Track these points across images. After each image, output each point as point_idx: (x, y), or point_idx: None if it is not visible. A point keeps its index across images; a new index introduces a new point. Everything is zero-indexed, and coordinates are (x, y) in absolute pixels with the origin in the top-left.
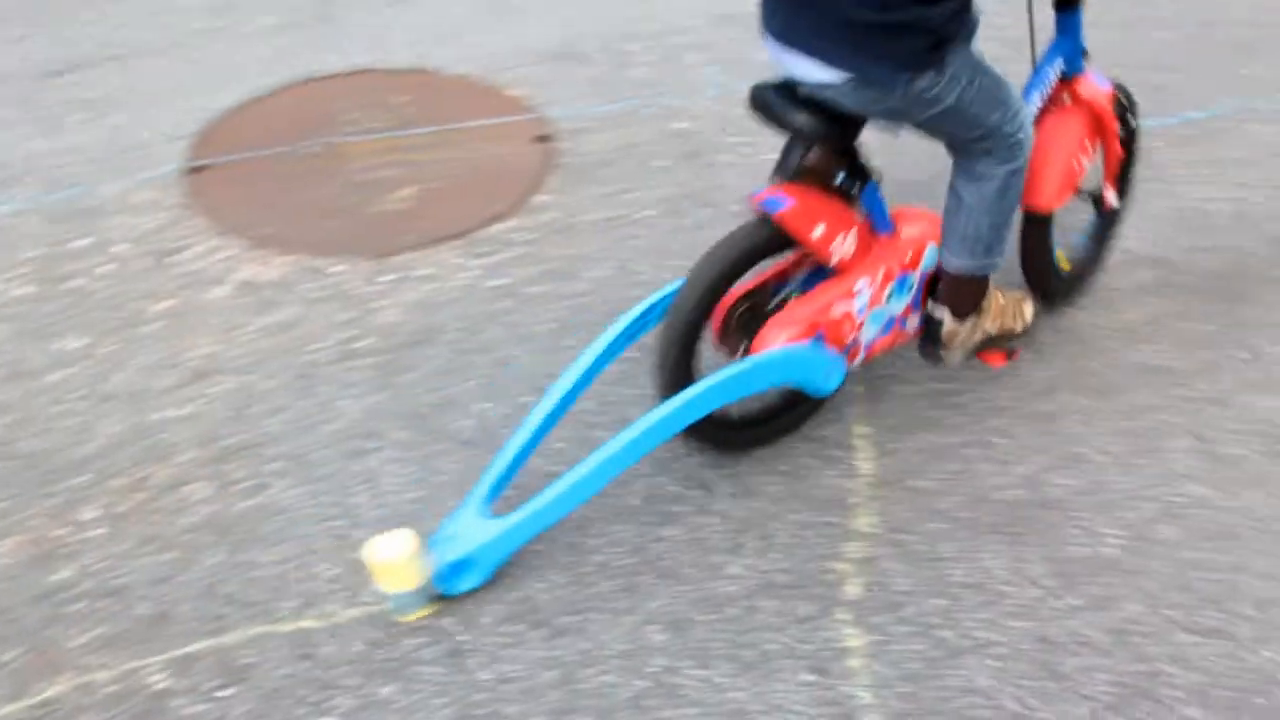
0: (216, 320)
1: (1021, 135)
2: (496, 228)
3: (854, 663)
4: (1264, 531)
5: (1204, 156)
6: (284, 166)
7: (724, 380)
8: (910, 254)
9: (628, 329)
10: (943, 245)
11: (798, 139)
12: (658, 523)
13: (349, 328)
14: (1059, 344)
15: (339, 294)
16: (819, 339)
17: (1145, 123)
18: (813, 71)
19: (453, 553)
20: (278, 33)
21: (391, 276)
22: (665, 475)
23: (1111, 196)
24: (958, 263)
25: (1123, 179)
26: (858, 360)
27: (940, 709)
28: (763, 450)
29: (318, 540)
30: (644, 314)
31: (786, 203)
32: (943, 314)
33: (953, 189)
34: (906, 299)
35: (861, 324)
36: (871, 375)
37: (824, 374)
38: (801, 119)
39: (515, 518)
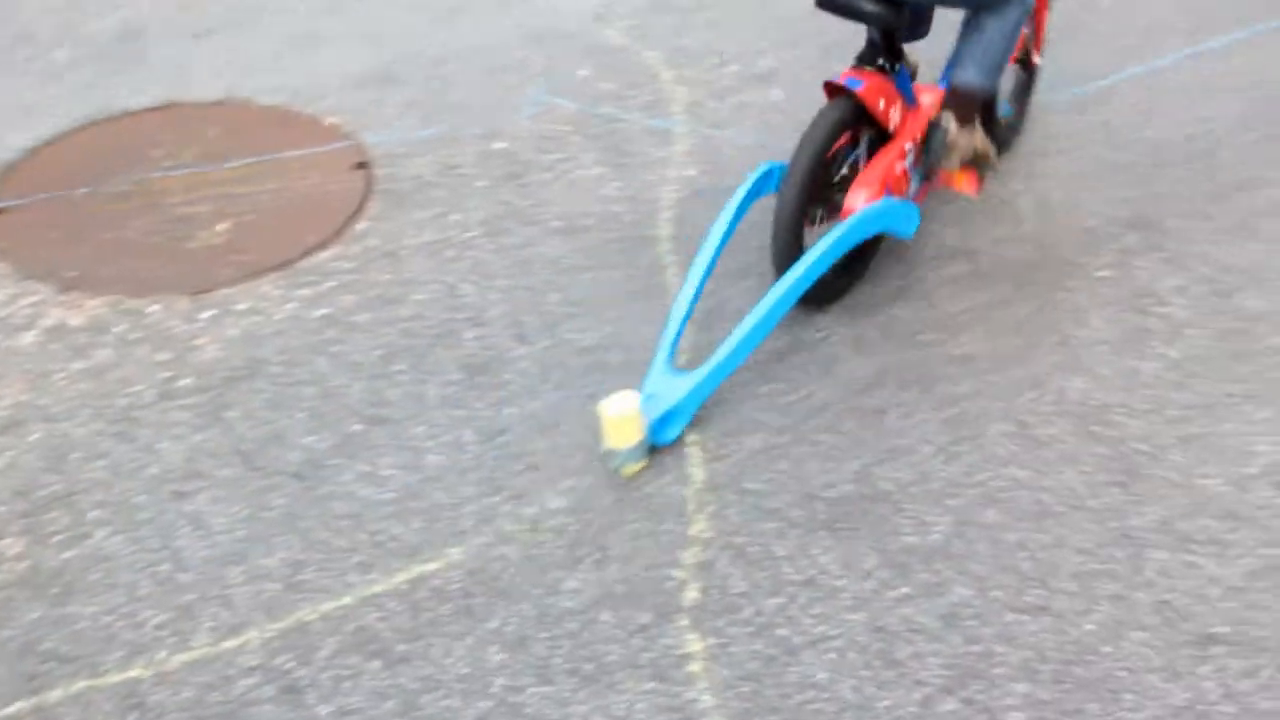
0: (25, 368)
1: None
2: (317, 257)
3: (694, 667)
4: (1079, 508)
5: (1012, 151)
6: (91, 206)
7: (837, 239)
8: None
9: (749, 194)
10: (958, 68)
11: (871, 26)
12: (492, 542)
13: (168, 368)
14: (880, 339)
15: (156, 334)
16: (889, 194)
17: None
18: None
19: (659, 409)
20: (74, 68)
21: (210, 313)
22: (499, 495)
23: (1037, 57)
24: (974, 79)
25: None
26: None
27: (780, 706)
28: (595, 462)
29: (142, 586)
30: (759, 180)
31: (862, 82)
32: (950, 122)
33: (975, 25)
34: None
35: (910, 177)
36: None
37: (905, 219)
38: (876, 8)
39: (700, 371)
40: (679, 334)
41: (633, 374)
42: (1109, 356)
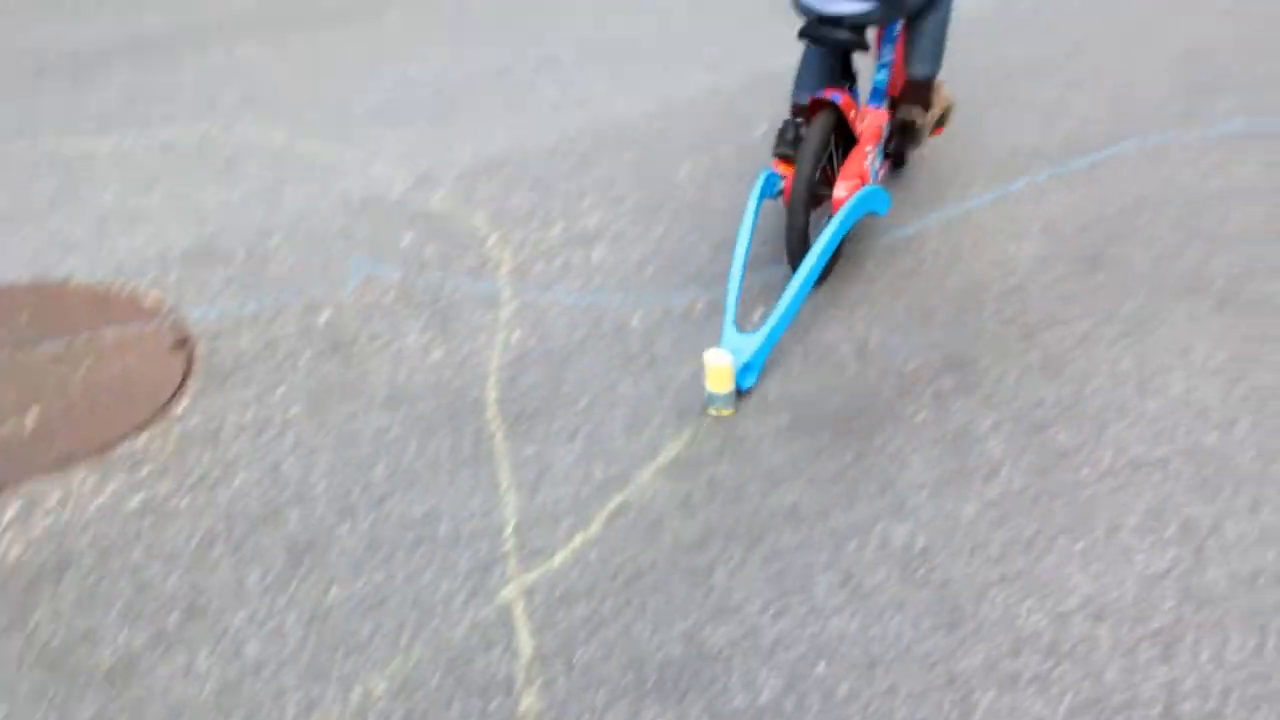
0: None
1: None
2: (134, 443)
3: None
4: (907, 655)
5: (827, 299)
6: None
7: (839, 223)
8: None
9: (760, 195)
10: (911, 65)
11: (839, 49)
12: None
13: None
14: (706, 497)
15: None
16: (865, 184)
17: (782, 268)
18: (853, 7)
19: (740, 362)
20: None
21: (15, 508)
22: (321, 683)
23: None
24: (926, 70)
25: None
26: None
27: None
28: (421, 641)
29: None
30: (764, 184)
31: (840, 97)
32: (916, 113)
33: (915, 28)
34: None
35: (874, 170)
36: (527, 551)
37: (881, 201)
38: (849, 36)
39: (763, 329)
40: (736, 303)
41: (462, 546)
42: (930, 500)
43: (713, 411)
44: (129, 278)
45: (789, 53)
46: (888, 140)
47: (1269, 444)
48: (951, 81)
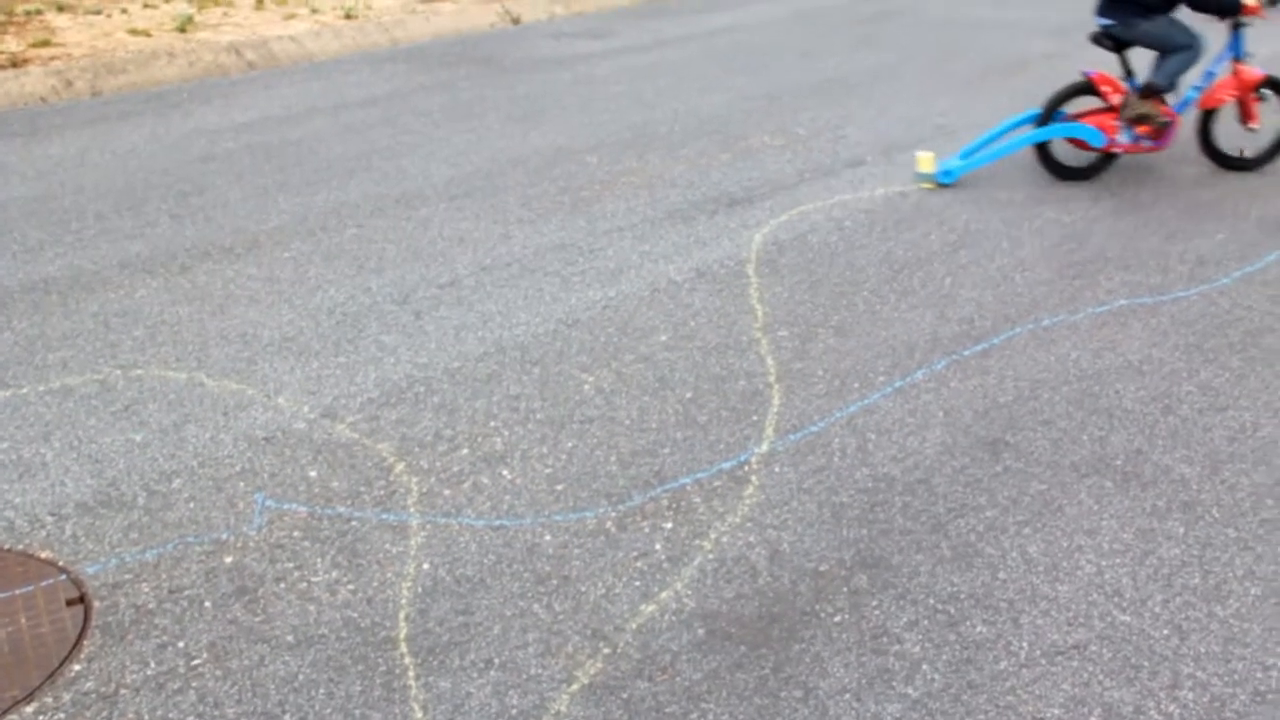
0: None
1: (1188, 49)
2: (21, 713)
3: None
4: None
5: (737, 504)
6: None
7: (1061, 125)
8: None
9: (1012, 124)
10: (1152, 75)
11: (1110, 47)
12: None
13: None
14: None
15: None
16: (1094, 127)
17: (691, 478)
18: (1100, 19)
19: (946, 165)
20: None
21: None
22: None
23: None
24: (1158, 80)
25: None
26: (1116, 147)
27: None
28: None
29: None
30: (1019, 120)
31: (1095, 72)
32: (1136, 97)
33: (1163, 58)
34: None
35: (1116, 130)
36: None
37: (1094, 136)
38: (1110, 39)
39: (973, 161)
40: (971, 152)
41: None
42: (852, 704)
43: (920, 185)
44: (20, 534)
45: (687, 259)
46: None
47: (1181, 619)
48: (844, 278)
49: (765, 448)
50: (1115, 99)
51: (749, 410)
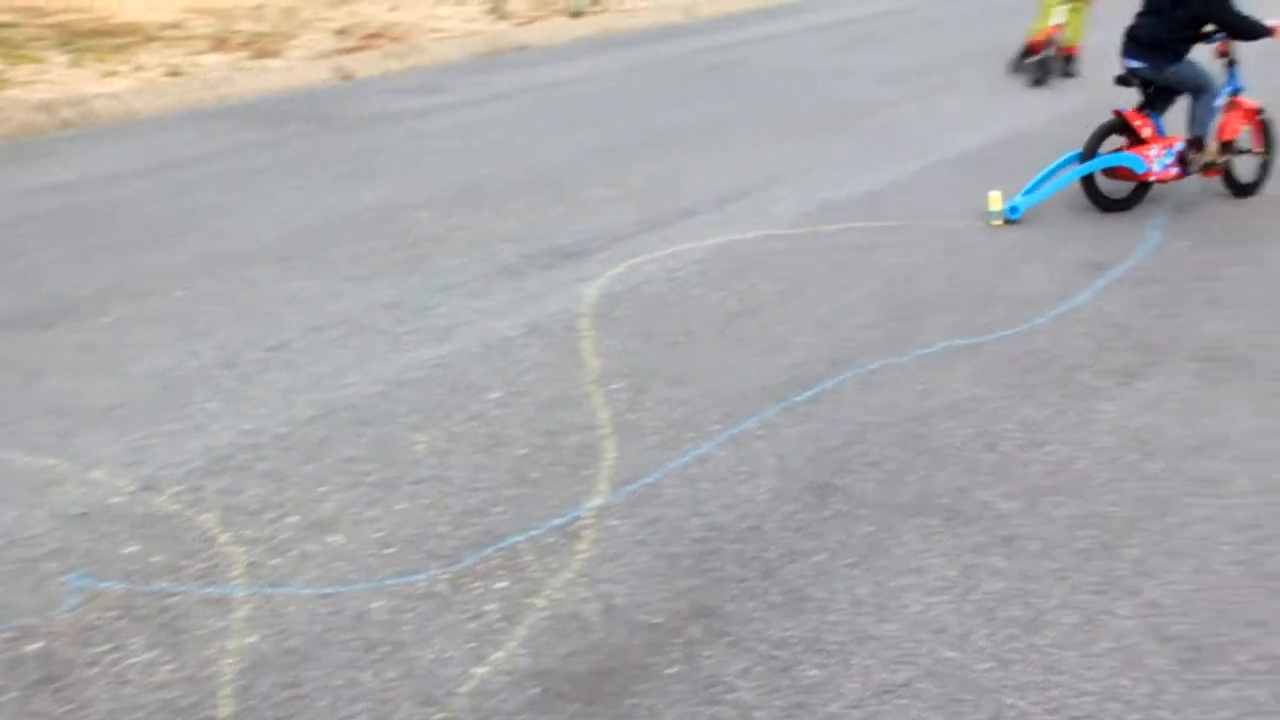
0: None
1: (1211, 90)
2: None
3: None
4: None
5: (570, 560)
6: None
7: (1109, 156)
8: (1165, 146)
9: (1061, 163)
10: (1189, 125)
11: (1138, 86)
12: None
13: None
14: None
15: None
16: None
17: (524, 535)
18: (1131, 62)
19: (1013, 202)
20: None
21: None
22: None
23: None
24: (1198, 130)
25: (1268, 144)
26: (1152, 174)
27: None
28: None
29: None
30: (1065, 160)
31: (1126, 109)
32: (1188, 149)
33: (1191, 109)
34: (1168, 161)
35: (1152, 160)
36: None
37: (1135, 164)
38: (1140, 84)
39: (1033, 197)
40: (1032, 189)
41: None
42: None
43: (990, 223)
44: None
45: (520, 314)
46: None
47: (1004, 651)
48: (677, 328)
49: (599, 501)
50: (1146, 131)
51: (582, 464)
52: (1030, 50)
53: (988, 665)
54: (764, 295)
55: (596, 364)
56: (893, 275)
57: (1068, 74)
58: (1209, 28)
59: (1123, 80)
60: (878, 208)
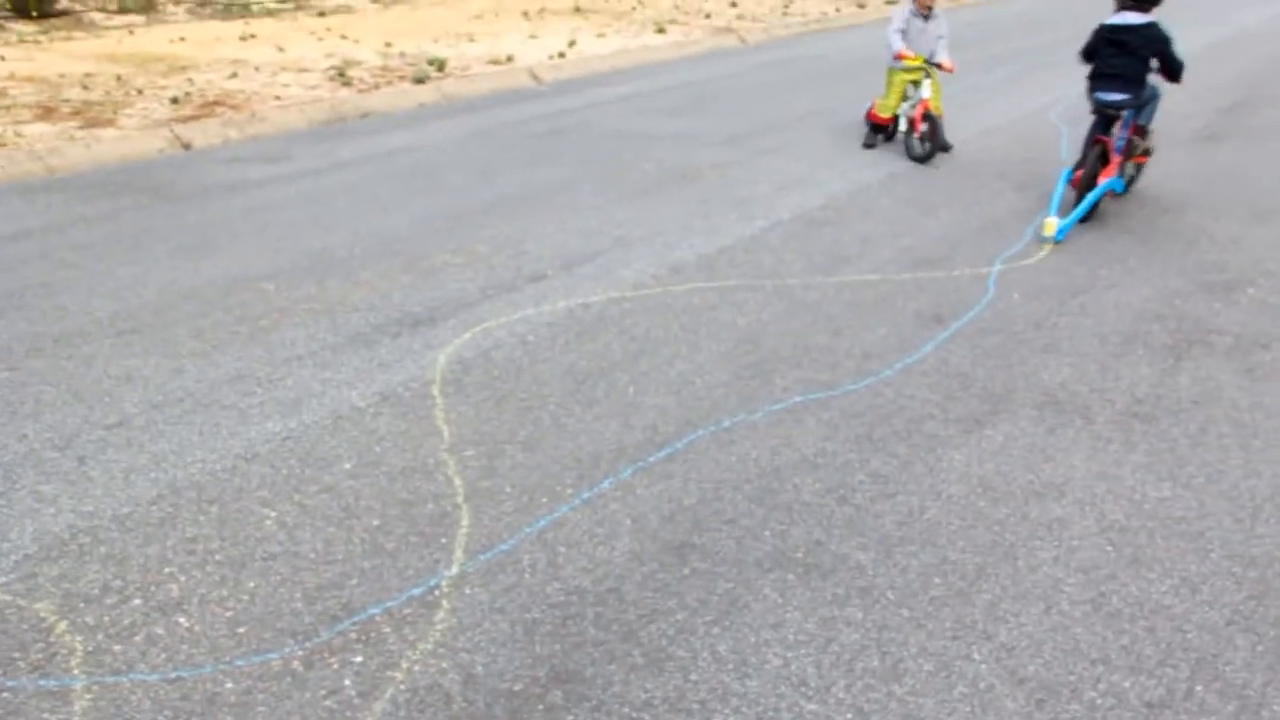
0: None
1: (1159, 96)
2: None
3: None
4: None
5: (428, 631)
6: None
7: (1104, 186)
8: (1119, 162)
9: (1066, 176)
10: (1142, 116)
11: (1108, 116)
12: None
13: None
14: None
15: None
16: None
17: (381, 608)
18: (1115, 96)
19: (1059, 227)
20: None
21: None
22: None
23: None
24: (1148, 121)
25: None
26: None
27: None
28: None
29: None
30: (1064, 179)
31: (1103, 137)
32: (1138, 138)
33: (1144, 108)
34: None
35: (1120, 171)
36: None
37: (1119, 184)
38: (1109, 112)
39: (1067, 220)
40: (1055, 205)
41: None
42: None
43: (1043, 248)
44: None
45: (370, 383)
46: (1123, 160)
47: (863, 701)
48: (529, 392)
49: (455, 570)
50: (1111, 154)
51: (438, 533)
52: (879, 126)
53: (848, 717)
54: (615, 356)
55: (449, 431)
56: (740, 334)
57: (944, 147)
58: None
59: (1101, 111)
60: (723, 267)
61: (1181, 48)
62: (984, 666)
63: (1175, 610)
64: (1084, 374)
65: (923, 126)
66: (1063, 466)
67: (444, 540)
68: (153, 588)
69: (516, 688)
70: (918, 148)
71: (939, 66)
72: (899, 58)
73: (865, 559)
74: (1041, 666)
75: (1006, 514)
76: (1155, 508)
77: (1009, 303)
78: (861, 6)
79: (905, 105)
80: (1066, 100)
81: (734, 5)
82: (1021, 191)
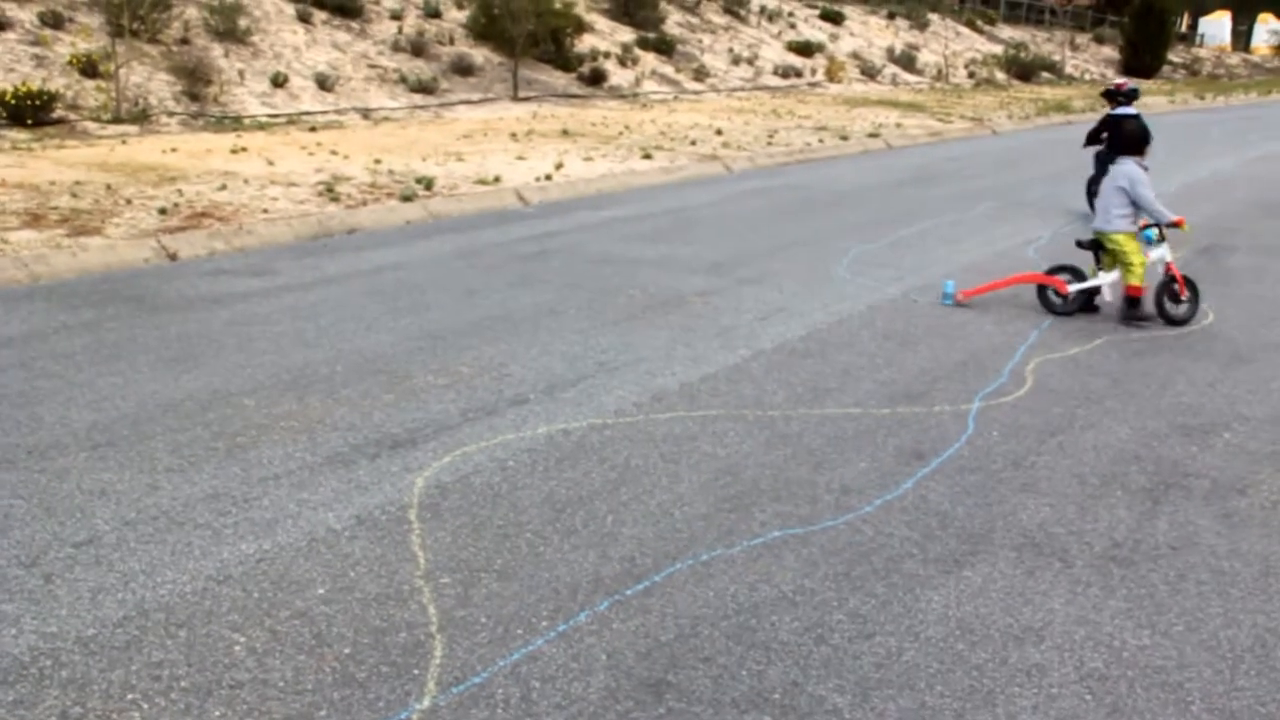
0: None
1: None
2: None
3: None
4: None
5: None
6: None
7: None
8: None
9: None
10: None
11: (1095, 249)
12: None
13: None
14: None
15: None
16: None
17: None
18: (1103, 225)
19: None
20: None
21: None
22: None
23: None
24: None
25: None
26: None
27: None
28: None
29: None
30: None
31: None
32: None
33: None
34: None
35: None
36: None
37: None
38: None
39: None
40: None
41: None
42: None
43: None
44: None
45: (347, 505)
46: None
47: None
48: (507, 519)
49: (427, 703)
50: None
51: (410, 664)
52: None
53: None
54: (595, 485)
55: (425, 557)
56: (721, 465)
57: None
58: None
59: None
60: (705, 396)
61: (1159, 190)
62: None
63: None
64: (1062, 515)
65: (1185, 290)
66: (1041, 610)
67: (416, 671)
68: (114, 715)
69: None
70: (1184, 309)
71: (1175, 225)
72: (1177, 224)
73: (842, 702)
74: None
75: (985, 658)
76: (1135, 656)
77: (988, 440)
78: (844, 139)
79: (1113, 274)
80: (1046, 236)
81: (719, 134)
82: (1001, 326)
